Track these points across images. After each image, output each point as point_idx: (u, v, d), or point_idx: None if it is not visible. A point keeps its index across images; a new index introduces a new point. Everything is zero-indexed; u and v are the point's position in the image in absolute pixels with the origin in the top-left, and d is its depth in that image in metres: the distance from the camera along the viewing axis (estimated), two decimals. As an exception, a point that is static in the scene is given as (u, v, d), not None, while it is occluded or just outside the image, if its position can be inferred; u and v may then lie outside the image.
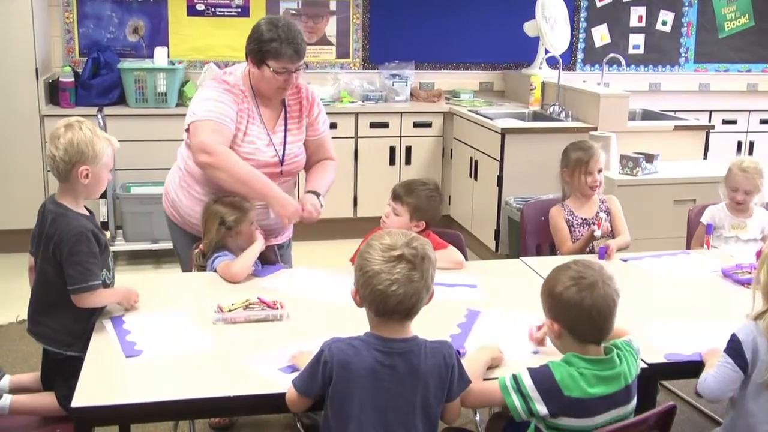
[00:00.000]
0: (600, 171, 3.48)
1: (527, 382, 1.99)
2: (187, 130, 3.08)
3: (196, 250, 3.00)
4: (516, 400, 1.99)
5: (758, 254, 2.37)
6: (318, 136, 3.29)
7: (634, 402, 2.09)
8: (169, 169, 5.46)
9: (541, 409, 1.97)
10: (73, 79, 5.28)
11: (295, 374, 2.02)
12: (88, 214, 2.51)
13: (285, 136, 3.16)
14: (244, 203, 2.97)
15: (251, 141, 3.06)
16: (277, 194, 3.01)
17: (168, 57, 5.57)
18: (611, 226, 3.41)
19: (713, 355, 2.25)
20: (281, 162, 3.13)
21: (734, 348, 2.18)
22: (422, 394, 1.95)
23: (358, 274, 1.96)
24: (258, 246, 2.89)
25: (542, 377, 1.98)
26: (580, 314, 1.99)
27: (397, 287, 1.90)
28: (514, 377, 2.01)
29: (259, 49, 2.99)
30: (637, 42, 6.70)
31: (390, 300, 1.91)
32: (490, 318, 2.54)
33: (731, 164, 3.61)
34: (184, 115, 5.29)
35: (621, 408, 2.04)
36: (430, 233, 3.11)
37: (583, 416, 1.99)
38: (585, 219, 3.46)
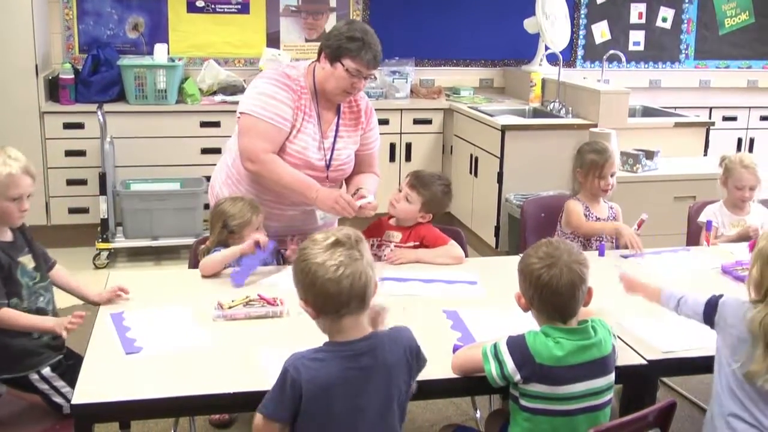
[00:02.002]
0: (613, 174, 3.46)
1: (503, 348, 2.08)
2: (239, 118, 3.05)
3: (202, 246, 2.99)
4: (492, 366, 2.07)
5: (751, 245, 2.38)
6: (369, 151, 3.27)
7: (611, 378, 2.12)
8: (171, 166, 5.48)
9: (515, 374, 2.05)
10: (72, 76, 5.27)
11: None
12: (6, 240, 2.48)
13: (334, 142, 3.13)
14: (255, 208, 2.94)
15: (303, 139, 3.04)
16: (320, 197, 2.97)
17: (168, 54, 5.56)
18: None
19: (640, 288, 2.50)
20: (327, 167, 3.12)
21: (710, 305, 2.26)
22: (395, 383, 1.96)
23: (301, 277, 1.91)
24: (238, 248, 2.82)
25: (517, 344, 2.07)
26: (535, 291, 2.09)
27: (345, 269, 1.86)
28: (495, 345, 2.09)
29: (339, 46, 2.95)
30: (637, 39, 6.70)
31: (343, 285, 1.86)
32: (490, 315, 2.54)
33: (728, 163, 3.59)
34: (184, 112, 5.38)
35: (595, 380, 2.08)
36: (430, 226, 3.13)
37: (554, 384, 2.05)
38: (599, 218, 3.46)
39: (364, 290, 1.89)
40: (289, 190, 3.00)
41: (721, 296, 2.26)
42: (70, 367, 2.53)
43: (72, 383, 2.47)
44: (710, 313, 2.25)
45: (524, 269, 2.13)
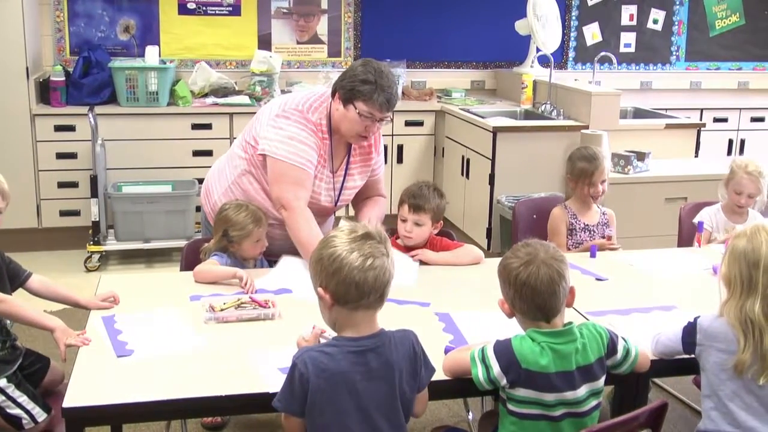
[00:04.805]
0: (604, 181, 3.45)
1: (490, 352, 2.08)
2: (258, 150, 2.99)
3: (205, 245, 2.97)
4: (479, 369, 2.07)
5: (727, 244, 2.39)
6: (375, 176, 3.25)
7: (597, 384, 2.11)
8: (162, 168, 5.43)
9: (501, 378, 2.05)
10: (63, 79, 5.25)
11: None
12: None
13: (343, 180, 3.11)
14: (258, 220, 2.90)
15: (318, 185, 3.02)
16: None
17: (159, 56, 5.56)
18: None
19: None
20: (335, 203, 3.12)
21: (687, 329, 2.26)
22: (399, 384, 1.96)
23: (327, 264, 1.92)
24: (231, 273, 2.75)
25: (503, 349, 2.07)
26: (516, 291, 2.09)
27: (373, 260, 1.90)
28: (482, 349, 2.09)
29: (351, 88, 2.89)
30: (628, 40, 6.72)
31: (368, 276, 1.89)
32: (482, 318, 2.54)
33: (734, 166, 3.55)
34: (175, 114, 5.35)
35: (575, 391, 2.06)
36: (439, 237, 3.12)
37: (541, 389, 2.04)
38: (587, 225, 3.45)
39: (384, 286, 1.94)
40: (298, 245, 2.91)
41: (696, 318, 2.26)
42: (27, 377, 2.51)
43: (30, 394, 2.44)
44: (690, 333, 2.24)
45: (503, 271, 2.14)
